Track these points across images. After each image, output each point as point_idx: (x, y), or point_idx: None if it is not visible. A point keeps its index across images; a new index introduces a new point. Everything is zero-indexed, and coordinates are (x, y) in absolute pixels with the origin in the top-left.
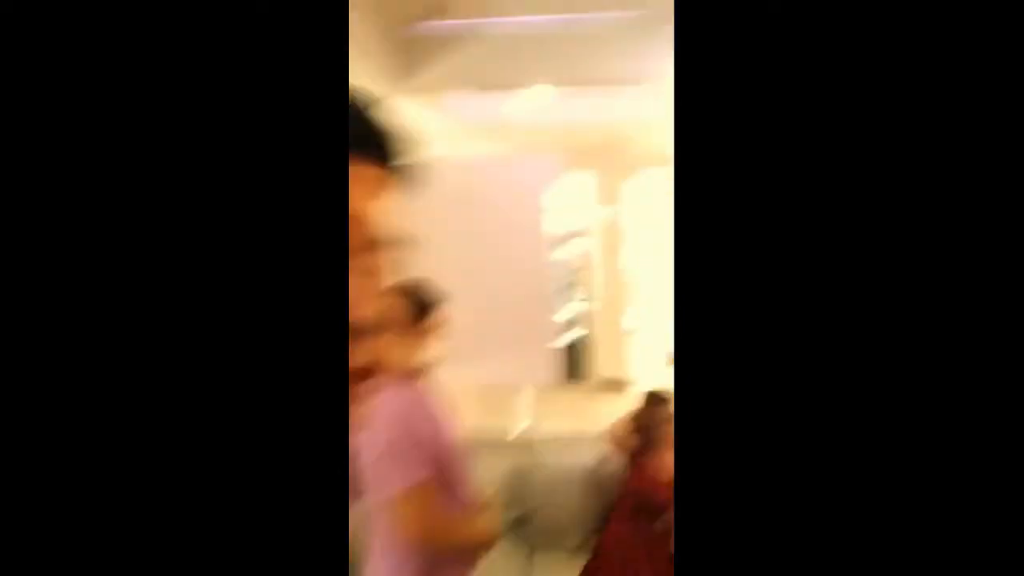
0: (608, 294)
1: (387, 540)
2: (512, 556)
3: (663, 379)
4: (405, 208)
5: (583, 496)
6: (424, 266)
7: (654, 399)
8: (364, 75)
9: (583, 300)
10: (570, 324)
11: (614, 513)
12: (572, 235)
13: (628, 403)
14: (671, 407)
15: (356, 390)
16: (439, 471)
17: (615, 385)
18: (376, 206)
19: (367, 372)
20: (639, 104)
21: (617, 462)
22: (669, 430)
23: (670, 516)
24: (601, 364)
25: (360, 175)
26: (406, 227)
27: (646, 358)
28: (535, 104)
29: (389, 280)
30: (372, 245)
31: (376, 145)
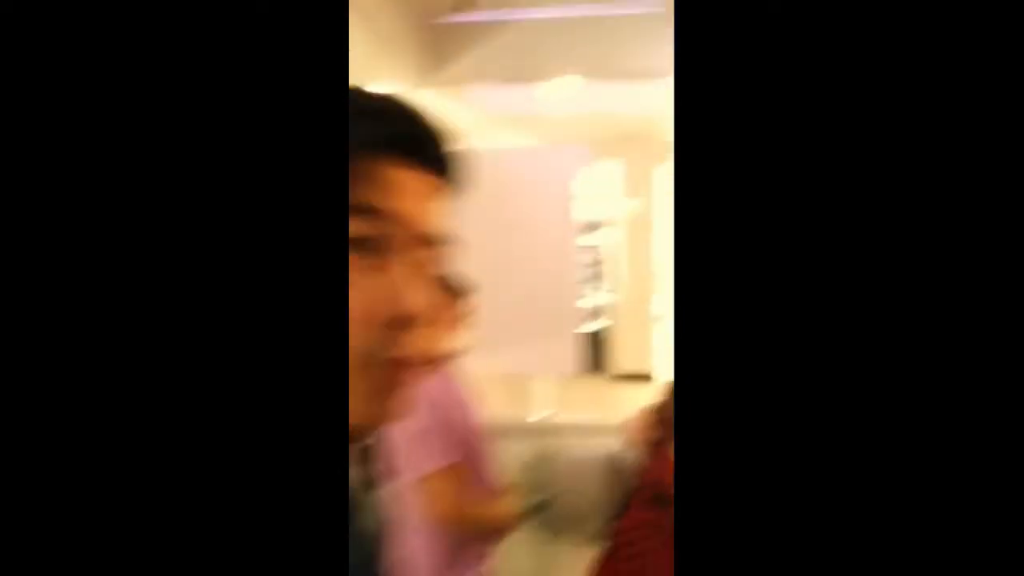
0: (633, 284)
1: (417, 518)
2: (532, 539)
3: None
4: (451, 209)
5: (603, 484)
6: (453, 256)
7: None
8: (393, 68)
9: (608, 290)
10: (594, 314)
11: (632, 501)
12: (598, 225)
13: (650, 394)
14: None
15: (401, 378)
16: (465, 456)
17: (637, 376)
18: (425, 207)
19: (412, 361)
20: (666, 95)
21: (637, 452)
22: None
23: None
24: (624, 354)
25: (413, 179)
26: (451, 227)
27: (669, 349)
28: (563, 95)
29: (435, 275)
30: (420, 242)
31: (430, 153)
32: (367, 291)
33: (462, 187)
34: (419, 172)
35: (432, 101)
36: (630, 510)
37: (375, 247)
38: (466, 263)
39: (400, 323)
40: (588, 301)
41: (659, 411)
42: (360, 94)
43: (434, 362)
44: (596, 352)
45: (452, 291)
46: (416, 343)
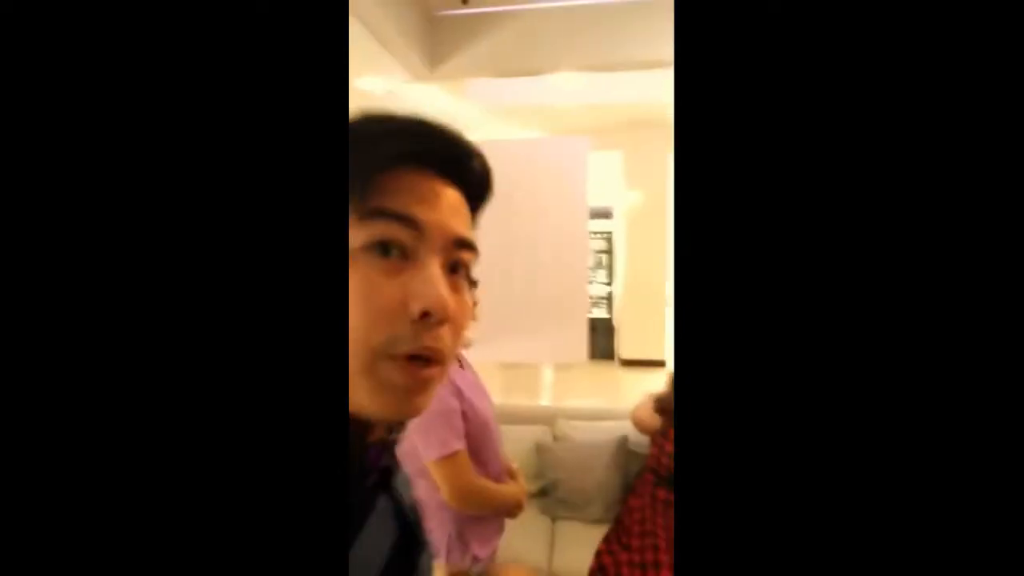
0: (643, 271)
1: (426, 502)
2: (537, 523)
3: None
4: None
5: (606, 470)
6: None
7: None
8: (393, 64)
9: (608, 282)
10: (597, 303)
11: (635, 486)
12: (609, 213)
13: (660, 380)
14: None
15: (428, 372)
16: (472, 442)
17: (648, 362)
18: (455, 216)
19: (439, 356)
20: (664, 87)
21: (640, 439)
22: None
23: None
24: (634, 341)
25: (446, 191)
26: (476, 236)
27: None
28: (567, 86)
29: (461, 276)
30: (450, 247)
31: (462, 169)
32: (399, 289)
33: (488, 200)
34: (451, 186)
35: (434, 94)
36: (632, 496)
37: (409, 249)
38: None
39: (429, 319)
40: (597, 288)
41: (659, 400)
42: (402, 115)
43: (457, 357)
44: (606, 339)
45: (473, 291)
46: (443, 338)
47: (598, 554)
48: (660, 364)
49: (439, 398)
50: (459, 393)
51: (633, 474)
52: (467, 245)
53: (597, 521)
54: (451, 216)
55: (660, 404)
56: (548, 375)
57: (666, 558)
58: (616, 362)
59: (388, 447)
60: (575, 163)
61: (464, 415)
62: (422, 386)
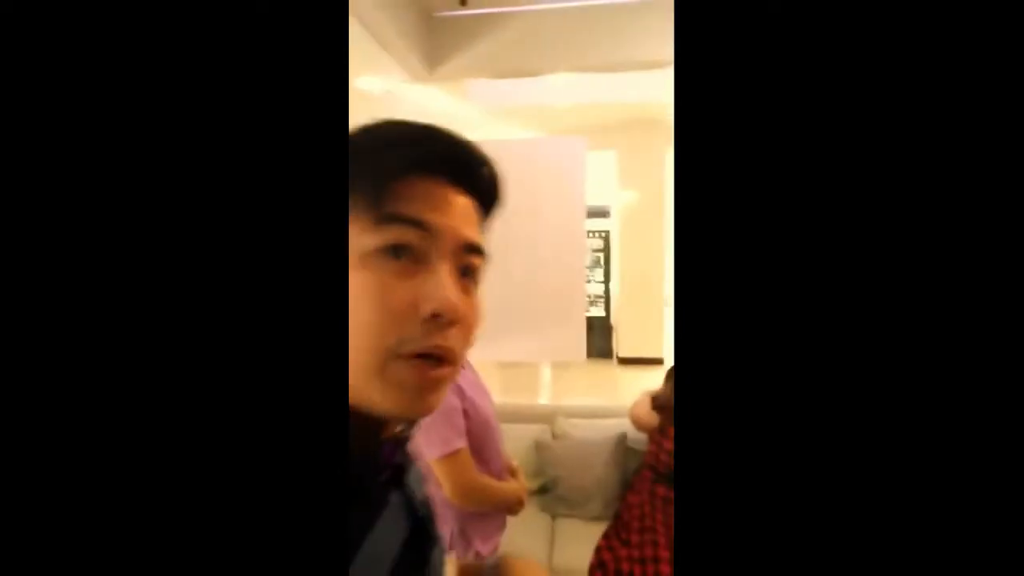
0: (642, 270)
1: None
2: (537, 520)
3: None
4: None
5: (605, 468)
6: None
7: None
8: (392, 64)
9: (604, 280)
10: (595, 302)
11: (634, 483)
12: (607, 212)
13: (659, 378)
14: None
15: (438, 372)
16: (474, 440)
17: (647, 360)
18: (467, 222)
19: (449, 356)
20: (663, 87)
21: (638, 437)
22: None
23: None
24: (632, 339)
25: (457, 197)
26: (487, 241)
27: (670, 337)
28: (560, 88)
29: (471, 280)
30: (462, 252)
31: (474, 177)
32: (411, 290)
33: (498, 206)
34: (463, 192)
35: (433, 95)
36: (631, 493)
37: (421, 253)
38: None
39: (439, 320)
40: (594, 287)
41: (657, 398)
42: (417, 123)
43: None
44: (603, 337)
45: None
46: (453, 339)
47: (598, 550)
48: (658, 362)
49: None
50: (461, 392)
51: (632, 471)
52: (477, 250)
53: (597, 518)
54: (462, 221)
55: (658, 402)
56: (546, 374)
57: (666, 554)
58: (614, 360)
59: (400, 444)
60: (573, 163)
61: (466, 413)
62: (433, 385)
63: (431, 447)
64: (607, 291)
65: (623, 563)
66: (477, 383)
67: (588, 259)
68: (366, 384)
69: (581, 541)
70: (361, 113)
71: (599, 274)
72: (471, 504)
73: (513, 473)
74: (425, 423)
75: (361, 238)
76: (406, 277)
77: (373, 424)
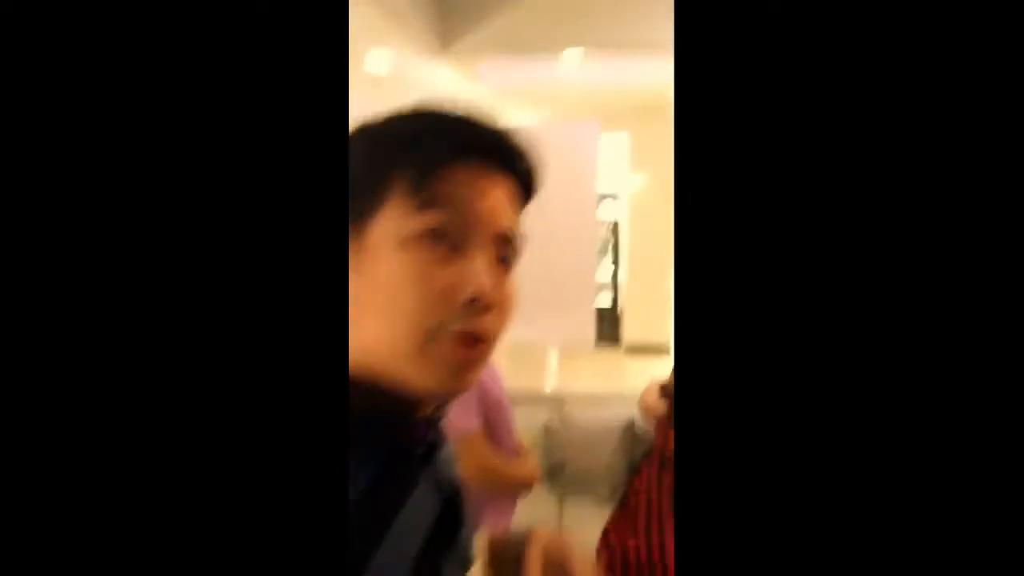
0: (649, 257)
1: None
2: (545, 501)
3: None
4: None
5: (613, 454)
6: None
7: None
8: (402, 44)
9: (623, 263)
10: (604, 287)
11: (642, 467)
12: (615, 198)
13: (665, 366)
14: None
15: (475, 352)
16: (486, 422)
17: (652, 348)
18: (504, 207)
19: (483, 336)
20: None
21: (646, 423)
22: None
23: None
24: (639, 327)
25: (495, 183)
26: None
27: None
28: (571, 68)
29: (507, 265)
30: (500, 238)
31: (520, 175)
32: (451, 275)
33: (536, 193)
34: (502, 180)
35: (445, 75)
36: (638, 476)
37: (461, 238)
38: None
39: (476, 304)
40: (604, 274)
41: (665, 386)
42: (458, 109)
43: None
44: (612, 324)
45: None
46: (489, 322)
47: (605, 534)
48: (666, 350)
49: None
50: None
51: (639, 457)
52: (513, 237)
53: (605, 502)
54: (501, 208)
55: (666, 390)
56: (553, 360)
57: (671, 539)
58: (621, 347)
59: (433, 423)
60: (585, 149)
61: (479, 395)
62: (470, 364)
63: (445, 428)
64: (615, 278)
65: (630, 548)
66: (489, 365)
67: (600, 245)
68: (404, 364)
69: (589, 525)
70: (369, 93)
71: (612, 260)
72: (484, 485)
73: (524, 455)
74: None
75: (402, 222)
76: (445, 262)
77: (408, 403)
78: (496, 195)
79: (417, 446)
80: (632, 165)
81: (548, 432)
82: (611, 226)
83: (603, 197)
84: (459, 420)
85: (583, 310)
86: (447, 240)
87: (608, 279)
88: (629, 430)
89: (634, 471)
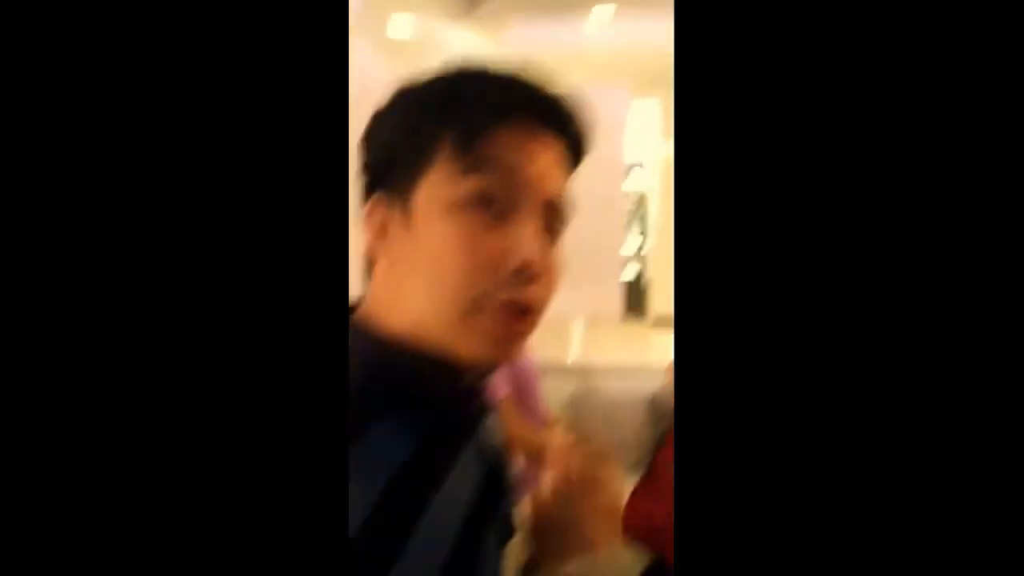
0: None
1: None
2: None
3: None
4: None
5: (639, 425)
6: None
7: None
8: (426, 7)
9: (650, 234)
10: (632, 258)
11: (667, 441)
12: (643, 167)
13: None
14: None
15: (522, 322)
16: (516, 390)
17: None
18: (552, 171)
19: (531, 305)
20: None
21: (672, 395)
22: None
23: None
24: (662, 300)
25: (544, 145)
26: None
27: None
28: (600, 28)
29: (555, 233)
30: (548, 205)
31: (562, 123)
32: (498, 242)
33: (586, 154)
34: (551, 142)
35: (469, 40)
36: (664, 447)
37: (509, 204)
38: None
39: (524, 273)
40: (631, 245)
41: None
42: (505, 69)
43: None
44: (634, 296)
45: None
46: (537, 291)
47: (631, 500)
48: None
49: None
50: None
51: (664, 429)
52: (562, 204)
53: (629, 473)
54: (549, 174)
55: None
56: (580, 332)
57: None
58: (648, 320)
59: (478, 392)
60: (614, 116)
61: (508, 364)
62: (516, 335)
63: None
64: (642, 247)
65: (655, 516)
66: None
67: (628, 216)
68: (450, 332)
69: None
70: (395, 57)
71: (639, 231)
72: (513, 451)
73: (552, 424)
74: None
75: (448, 186)
76: (493, 229)
77: (453, 371)
78: (545, 159)
79: (462, 414)
80: (664, 132)
81: (574, 404)
82: (639, 197)
83: (631, 166)
84: (490, 388)
85: (610, 282)
86: (494, 206)
87: (635, 251)
88: (655, 402)
89: (660, 443)
